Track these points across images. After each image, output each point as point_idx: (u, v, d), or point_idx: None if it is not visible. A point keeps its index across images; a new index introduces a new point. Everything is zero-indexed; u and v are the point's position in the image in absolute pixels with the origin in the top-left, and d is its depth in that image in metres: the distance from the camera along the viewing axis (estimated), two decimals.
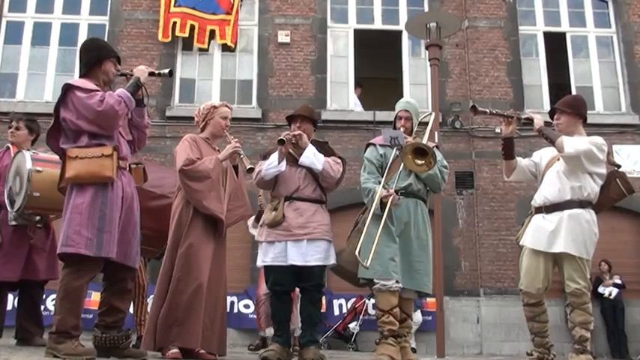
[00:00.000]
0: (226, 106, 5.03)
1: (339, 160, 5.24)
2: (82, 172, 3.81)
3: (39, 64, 12.25)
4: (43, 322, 5.72)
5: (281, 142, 4.99)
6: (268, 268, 5.08)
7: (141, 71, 4.19)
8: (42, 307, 5.87)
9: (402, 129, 5.08)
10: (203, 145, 4.81)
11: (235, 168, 4.87)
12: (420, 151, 4.77)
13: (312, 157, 5.05)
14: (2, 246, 5.28)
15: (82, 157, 3.82)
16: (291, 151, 5.11)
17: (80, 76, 4.10)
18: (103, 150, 3.87)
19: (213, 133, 4.93)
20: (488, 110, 4.98)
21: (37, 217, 5.30)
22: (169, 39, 12.08)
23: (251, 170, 4.63)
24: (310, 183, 5.12)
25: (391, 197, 4.81)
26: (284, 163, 5.05)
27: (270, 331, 7.09)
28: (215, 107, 4.94)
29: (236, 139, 4.80)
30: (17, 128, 5.69)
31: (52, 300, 10.27)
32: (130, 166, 4.15)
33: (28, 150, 5.32)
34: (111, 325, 4.03)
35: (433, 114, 5.59)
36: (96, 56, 4.13)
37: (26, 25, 12.44)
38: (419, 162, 4.76)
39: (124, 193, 3.99)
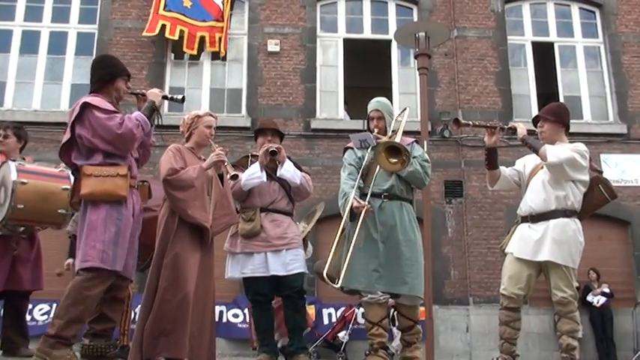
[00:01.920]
0: (210, 115, 5.02)
1: (308, 176, 5.35)
2: (97, 190, 3.94)
3: (27, 72, 12.20)
4: (29, 332, 5.66)
5: (273, 153, 5.02)
6: (248, 280, 5.06)
7: (155, 94, 4.30)
8: (27, 318, 5.82)
9: (375, 130, 5.06)
10: (188, 154, 4.79)
11: (220, 177, 4.86)
12: (394, 150, 4.72)
13: (292, 170, 5.15)
14: None
15: (97, 175, 3.95)
16: (267, 163, 5.16)
17: (91, 92, 4.17)
18: (119, 170, 4.00)
19: (198, 143, 4.93)
20: (471, 122, 4.99)
21: (22, 228, 5.24)
22: (155, 33, 12.00)
23: (235, 177, 4.62)
24: (284, 196, 5.24)
25: (364, 209, 4.71)
26: (264, 173, 5.07)
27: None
28: (199, 116, 4.93)
29: (220, 148, 4.79)
30: (6, 137, 5.64)
31: (40, 310, 10.22)
32: (137, 183, 4.29)
33: (14, 160, 5.26)
34: (99, 333, 4.06)
35: (408, 109, 5.46)
36: (109, 73, 4.22)
37: (15, 34, 12.39)
38: (393, 160, 4.70)
39: (134, 211, 4.15)
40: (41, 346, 3.76)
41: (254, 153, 5.39)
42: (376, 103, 5.21)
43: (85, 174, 3.94)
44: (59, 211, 5.04)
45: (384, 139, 4.95)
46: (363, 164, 4.96)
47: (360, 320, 10.33)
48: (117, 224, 3.95)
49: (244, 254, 5.05)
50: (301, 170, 5.33)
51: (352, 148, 5.16)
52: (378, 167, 4.85)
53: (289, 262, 4.99)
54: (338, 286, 4.62)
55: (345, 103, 12.63)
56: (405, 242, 4.80)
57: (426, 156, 5.09)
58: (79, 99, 4.16)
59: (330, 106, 12.46)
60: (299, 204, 5.62)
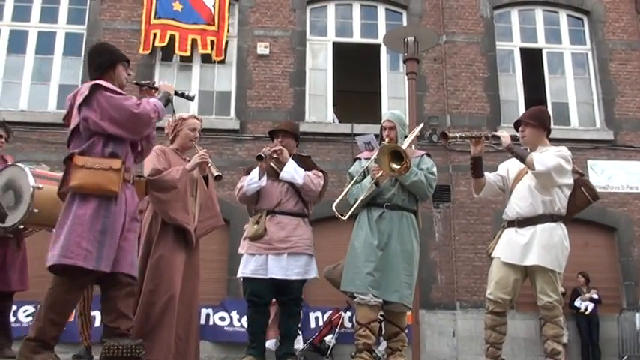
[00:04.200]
0: (195, 117, 5.03)
1: (321, 174, 5.31)
2: (88, 182, 3.71)
3: (15, 72, 12.13)
4: (13, 333, 5.63)
5: (259, 158, 5.06)
6: (247, 280, 5.10)
7: (168, 87, 4.19)
8: (12, 319, 5.79)
9: (387, 139, 5.10)
10: (173, 156, 4.80)
11: (206, 179, 4.86)
12: (397, 156, 4.78)
13: (292, 171, 5.13)
14: None
15: (89, 167, 3.73)
16: (272, 165, 5.18)
17: (91, 80, 3.96)
18: (112, 163, 3.78)
19: (182, 145, 4.94)
20: (458, 135, 5.03)
21: (11, 229, 5.23)
22: (149, 51, 12.02)
23: (219, 178, 4.63)
24: (292, 197, 5.20)
25: (379, 173, 4.85)
26: (264, 178, 5.13)
27: (270, 343, 7.14)
28: (183, 119, 4.95)
29: (204, 150, 4.79)
30: (6, 140, 5.64)
31: (24, 311, 10.14)
32: (132, 178, 4.09)
33: (18, 163, 5.26)
34: (125, 332, 3.81)
35: (422, 124, 5.65)
36: (109, 59, 4.06)
37: (2, 33, 12.31)
38: (394, 166, 4.77)
39: (127, 206, 3.90)
40: (22, 349, 3.63)
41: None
42: (390, 114, 5.31)
43: (76, 165, 3.72)
44: None
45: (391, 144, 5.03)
46: (365, 167, 5.02)
47: (347, 324, 10.35)
48: (104, 222, 3.73)
49: (247, 255, 5.12)
50: (312, 169, 5.32)
51: (360, 159, 5.25)
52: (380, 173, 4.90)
53: (288, 267, 5.02)
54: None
55: (334, 105, 12.64)
56: (402, 252, 4.88)
57: (434, 170, 5.14)
58: (79, 88, 3.97)
59: (319, 110, 12.47)
60: None
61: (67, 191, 3.81)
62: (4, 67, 12.15)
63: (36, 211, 4.88)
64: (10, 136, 5.79)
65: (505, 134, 4.96)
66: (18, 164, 5.24)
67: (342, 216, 4.91)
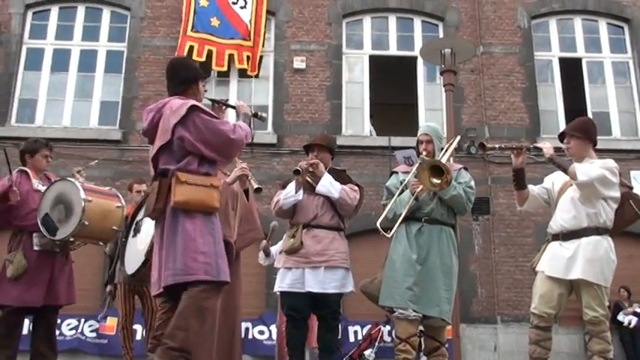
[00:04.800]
0: None
1: (356, 188, 5.30)
2: (192, 198, 3.73)
3: (58, 90, 12.39)
4: (57, 347, 5.72)
5: (296, 172, 5.08)
6: (284, 294, 5.11)
7: (245, 107, 4.23)
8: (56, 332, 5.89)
9: (424, 152, 5.08)
10: None
11: (246, 192, 4.89)
12: (437, 170, 4.76)
13: (328, 185, 5.13)
14: (27, 271, 5.29)
15: (191, 183, 3.75)
16: (308, 179, 5.18)
17: (175, 94, 4.01)
18: (212, 180, 3.85)
19: None
20: (497, 145, 4.98)
21: (58, 242, 5.34)
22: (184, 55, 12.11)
23: (259, 190, 4.66)
24: (328, 211, 5.19)
25: (418, 188, 4.83)
26: (301, 192, 5.14)
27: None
28: None
29: (244, 163, 4.83)
30: (51, 157, 5.78)
31: (68, 325, 10.31)
32: None
33: (67, 178, 5.40)
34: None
35: (459, 137, 5.62)
36: (193, 75, 4.10)
37: (46, 52, 12.61)
38: (435, 181, 4.75)
39: None
40: (164, 357, 3.59)
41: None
42: (426, 127, 5.28)
43: (179, 180, 3.72)
44: (113, 227, 5.29)
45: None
46: (405, 182, 4.99)
47: (387, 338, 10.26)
48: (213, 234, 3.78)
49: (284, 269, 5.13)
50: (348, 182, 5.32)
51: (396, 173, 5.24)
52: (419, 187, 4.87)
53: (325, 281, 5.01)
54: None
55: (371, 116, 12.63)
56: (441, 267, 4.84)
57: (472, 183, 5.10)
58: (167, 100, 3.94)
59: (356, 123, 12.47)
60: None
61: (162, 207, 3.80)
62: (47, 85, 12.42)
63: (86, 223, 5.02)
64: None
65: (547, 145, 4.88)
66: (68, 179, 5.38)
67: (386, 233, 4.88)
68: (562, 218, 4.79)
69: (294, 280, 5.06)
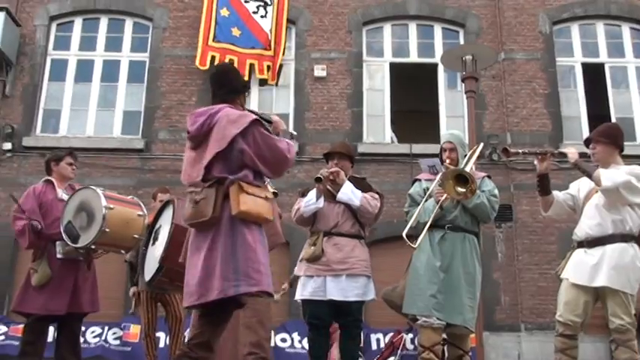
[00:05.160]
0: None
1: (377, 196, 5.30)
2: (252, 209, 3.71)
3: (81, 100, 12.52)
4: (81, 354, 5.77)
5: (318, 179, 5.08)
6: (306, 302, 5.10)
7: (283, 124, 4.22)
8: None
9: (447, 160, 5.08)
10: None
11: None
12: (462, 179, 4.75)
13: (349, 193, 5.13)
14: (51, 279, 5.35)
15: (251, 193, 3.74)
16: (329, 187, 5.19)
17: (224, 102, 3.95)
18: (267, 193, 3.87)
19: None
20: (520, 151, 4.96)
21: (83, 251, 5.39)
22: (206, 67, 12.19)
23: (275, 195, 4.67)
24: (349, 218, 5.19)
25: (443, 196, 4.83)
26: (322, 199, 5.14)
27: None
28: None
29: None
30: (76, 166, 5.85)
31: (92, 332, 10.38)
32: None
33: (90, 185, 5.46)
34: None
35: (482, 144, 5.60)
36: (242, 86, 4.11)
37: (70, 63, 12.77)
38: (460, 190, 4.75)
39: None
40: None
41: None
42: (449, 135, 5.30)
43: (242, 190, 3.68)
44: (134, 235, 5.36)
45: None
46: (429, 191, 4.99)
47: (409, 346, 10.20)
48: (264, 245, 3.80)
49: (306, 277, 5.12)
50: (368, 190, 5.32)
51: (419, 180, 5.22)
52: (443, 196, 4.86)
53: (347, 289, 5.00)
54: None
55: (392, 123, 12.61)
56: (464, 274, 4.83)
57: (496, 192, 5.09)
58: (218, 107, 3.88)
59: (377, 131, 12.46)
60: None
61: (219, 214, 3.71)
62: (71, 95, 12.57)
63: (107, 230, 5.08)
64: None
65: (572, 150, 4.83)
66: (90, 186, 5.44)
67: (412, 243, 4.87)
68: (587, 225, 4.74)
69: (316, 288, 5.06)
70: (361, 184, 5.36)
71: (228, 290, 3.61)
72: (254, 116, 3.84)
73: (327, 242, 5.12)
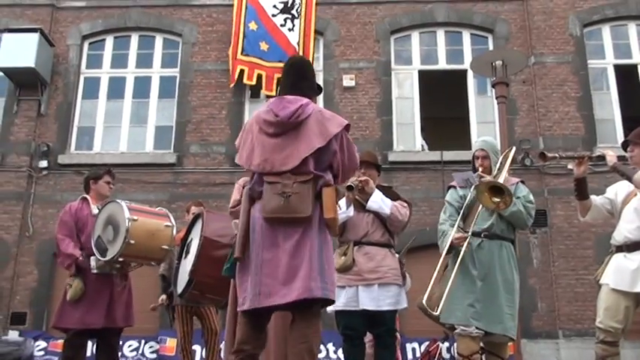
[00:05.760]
0: None
1: (406, 204, 5.27)
2: (337, 217, 3.66)
3: (114, 116, 12.72)
4: None
5: (349, 188, 5.05)
6: (339, 313, 5.07)
7: None
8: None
9: (480, 168, 5.04)
10: None
11: None
12: (496, 189, 4.73)
13: (379, 201, 5.12)
14: (86, 294, 5.42)
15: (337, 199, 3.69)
16: (357, 197, 5.16)
17: (304, 95, 3.77)
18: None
19: None
20: (557, 155, 4.89)
21: (118, 265, 5.45)
22: (235, 83, 12.31)
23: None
24: (378, 227, 5.16)
25: (465, 241, 4.79)
26: (352, 208, 5.13)
27: None
28: None
29: None
30: (113, 184, 5.93)
31: (129, 346, 10.49)
32: None
33: (117, 201, 5.51)
34: None
35: (514, 148, 5.53)
36: (318, 86, 3.98)
37: (102, 80, 12.99)
38: (495, 200, 4.73)
39: None
40: None
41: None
42: (482, 142, 5.26)
43: (337, 195, 3.60)
44: (162, 246, 5.35)
45: (488, 178, 4.96)
46: (465, 203, 4.97)
47: (445, 355, 10.11)
48: None
49: (338, 288, 5.07)
50: (397, 199, 5.30)
51: (454, 187, 5.19)
52: (480, 206, 4.84)
53: (380, 298, 4.96)
54: (436, 314, 4.71)
55: (422, 130, 12.56)
56: (503, 282, 4.78)
57: (531, 197, 5.05)
58: (307, 100, 3.71)
59: (407, 138, 12.42)
60: None
61: (310, 215, 3.50)
62: (104, 112, 12.78)
63: (132, 242, 5.09)
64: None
65: (611, 153, 4.77)
66: (115, 200, 5.50)
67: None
68: (626, 229, 4.66)
69: (349, 299, 5.02)
70: (389, 193, 5.35)
71: (315, 292, 3.42)
72: (347, 122, 3.70)
73: (358, 252, 5.09)
